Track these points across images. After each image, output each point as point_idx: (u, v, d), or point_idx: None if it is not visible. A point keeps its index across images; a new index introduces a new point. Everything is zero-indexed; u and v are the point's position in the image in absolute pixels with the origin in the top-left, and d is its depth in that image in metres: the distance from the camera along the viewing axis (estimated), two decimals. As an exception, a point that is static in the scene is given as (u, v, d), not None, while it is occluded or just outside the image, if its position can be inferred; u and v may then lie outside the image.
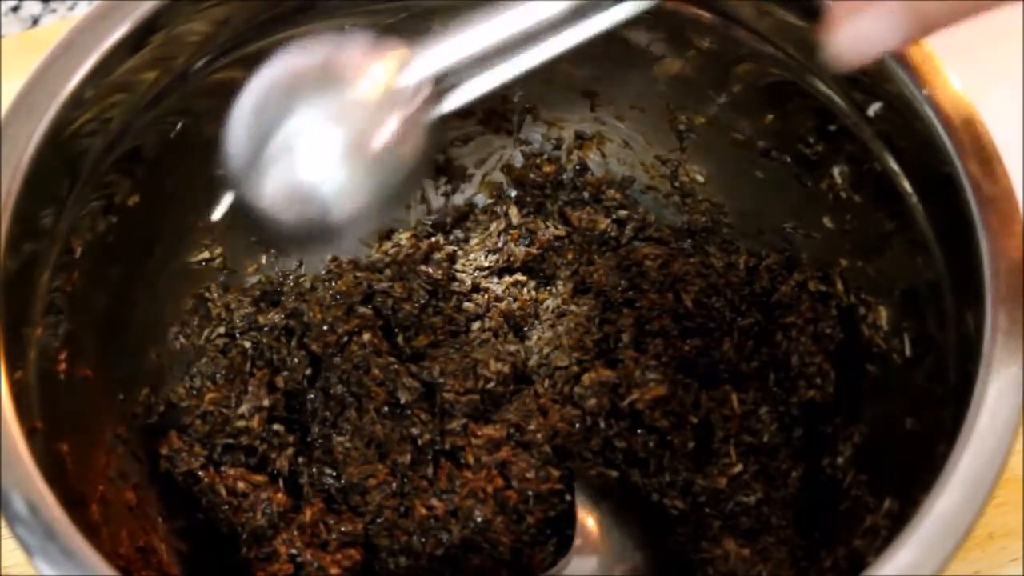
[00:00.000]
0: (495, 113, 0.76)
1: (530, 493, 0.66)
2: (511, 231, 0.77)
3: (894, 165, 0.59)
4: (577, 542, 0.64)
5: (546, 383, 0.70)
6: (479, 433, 0.68)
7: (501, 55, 0.53)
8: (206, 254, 0.72)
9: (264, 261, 0.75)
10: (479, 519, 0.66)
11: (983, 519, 0.52)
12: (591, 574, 0.63)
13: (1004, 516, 0.70)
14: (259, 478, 0.67)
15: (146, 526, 0.63)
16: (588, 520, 0.65)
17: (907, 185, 0.59)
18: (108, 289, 0.65)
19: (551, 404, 0.68)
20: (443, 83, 0.53)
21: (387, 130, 0.51)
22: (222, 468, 0.67)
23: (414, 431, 0.68)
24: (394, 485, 0.67)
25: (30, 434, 0.50)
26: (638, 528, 0.67)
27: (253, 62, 0.66)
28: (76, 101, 0.56)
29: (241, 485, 0.67)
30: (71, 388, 0.60)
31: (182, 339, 0.71)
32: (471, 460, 0.67)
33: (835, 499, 0.64)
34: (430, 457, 0.68)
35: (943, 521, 0.46)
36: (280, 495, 0.67)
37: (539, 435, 0.67)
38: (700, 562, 0.65)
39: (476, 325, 0.74)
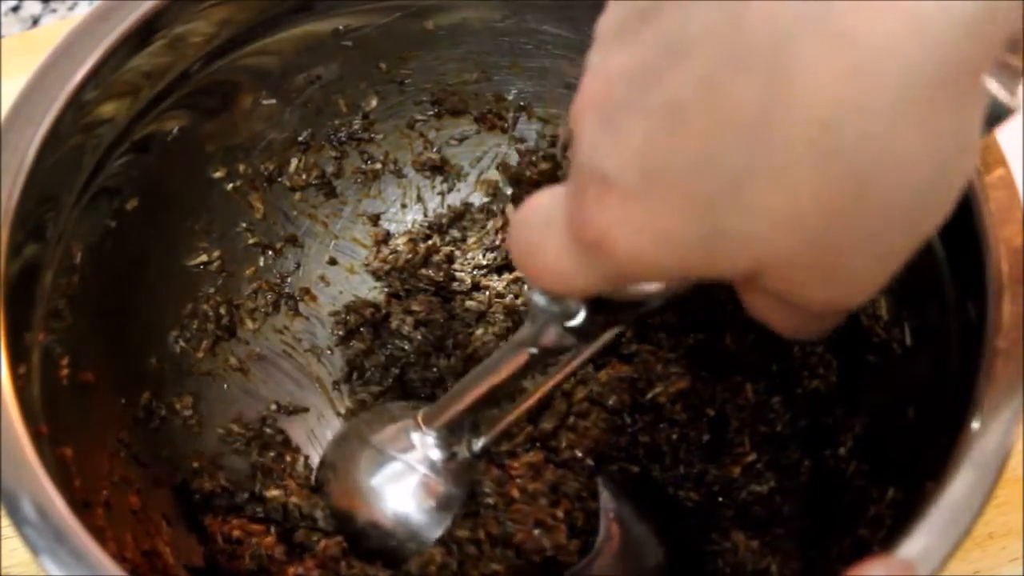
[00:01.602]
0: (490, 111, 0.76)
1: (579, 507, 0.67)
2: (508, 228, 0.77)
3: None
4: (601, 538, 0.64)
5: (572, 379, 0.70)
6: (516, 464, 0.68)
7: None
8: (204, 257, 0.72)
9: (262, 264, 0.75)
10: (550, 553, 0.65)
11: (983, 519, 0.52)
12: (615, 571, 0.63)
13: (1004, 516, 0.70)
14: (256, 527, 0.67)
15: (150, 530, 0.62)
16: (611, 516, 0.65)
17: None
18: (108, 293, 0.65)
19: (584, 404, 0.69)
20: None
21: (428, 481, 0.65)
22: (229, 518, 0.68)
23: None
24: (454, 566, 0.66)
25: (35, 438, 0.50)
26: (657, 522, 0.67)
27: (253, 62, 0.67)
28: (76, 104, 0.56)
29: (237, 533, 0.66)
30: (74, 393, 0.60)
31: (181, 343, 0.71)
32: (516, 494, 0.67)
33: (839, 490, 0.64)
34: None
35: (950, 510, 0.46)
36: (270, 539, 0.67)
37: (577, 451, 0.68)
38: (711, 554, 0.65)
39: (480, 331, 0.74)
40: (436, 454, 0.64)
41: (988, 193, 0.52)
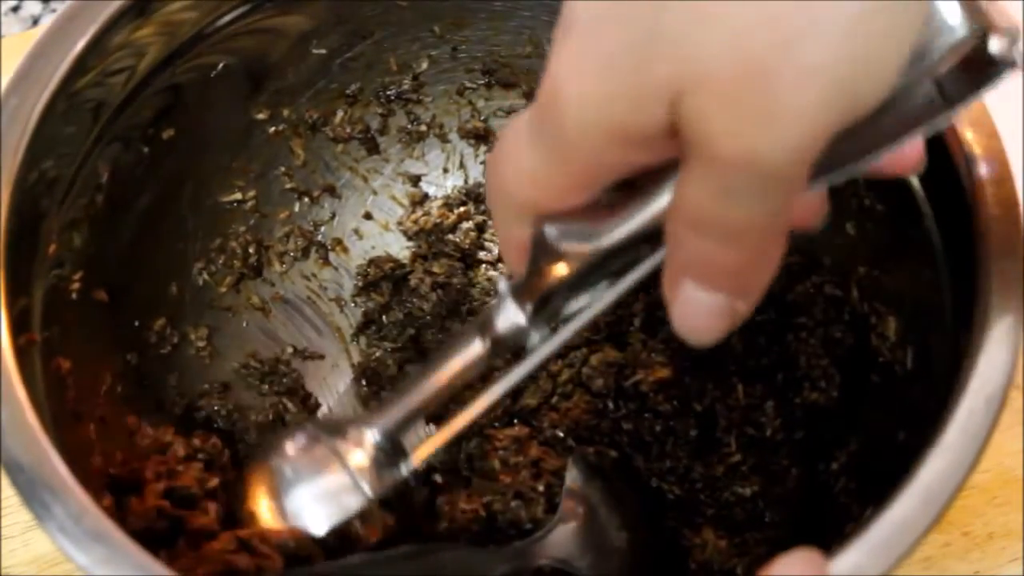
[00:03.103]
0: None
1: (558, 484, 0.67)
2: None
3: (914, 179, 0.59)
4: (561, 513, 0.64)
5: (559, 362, 0.71)
6: (501, 436, 0.68)
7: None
8: (238, 195, 0.73)
9: (296, 209, 0.76)
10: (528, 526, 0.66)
11: (983, 519, 0.51)
12: (569, 547, 0.63)
13: (1004, 516, 0.70)
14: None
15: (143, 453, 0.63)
16: (576, 494, 0.65)
17: (925, 202, 0.59)
18: (134, 217, 0.66)
19: (568, 386, 0.69)
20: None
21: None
22: None
23: None
24: None
25: (27, 346, 0.52)
26: (629, 510, 0.67)
27: (307, 11, 0.68)
28: (113, 28, 0.58)
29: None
30: (83, 309, 0.61)
31: (205, 276, 0.72)
32: (497, 465, 0.68)
33: (824, 504, 0.64)
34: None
35: (892, 529, 0.46)
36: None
37: (559, 431, 0.68)
38: (683, 549, 0.65)
39: (495, 302, 0.74)
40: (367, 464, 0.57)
41: (990, 226, 0.51)
